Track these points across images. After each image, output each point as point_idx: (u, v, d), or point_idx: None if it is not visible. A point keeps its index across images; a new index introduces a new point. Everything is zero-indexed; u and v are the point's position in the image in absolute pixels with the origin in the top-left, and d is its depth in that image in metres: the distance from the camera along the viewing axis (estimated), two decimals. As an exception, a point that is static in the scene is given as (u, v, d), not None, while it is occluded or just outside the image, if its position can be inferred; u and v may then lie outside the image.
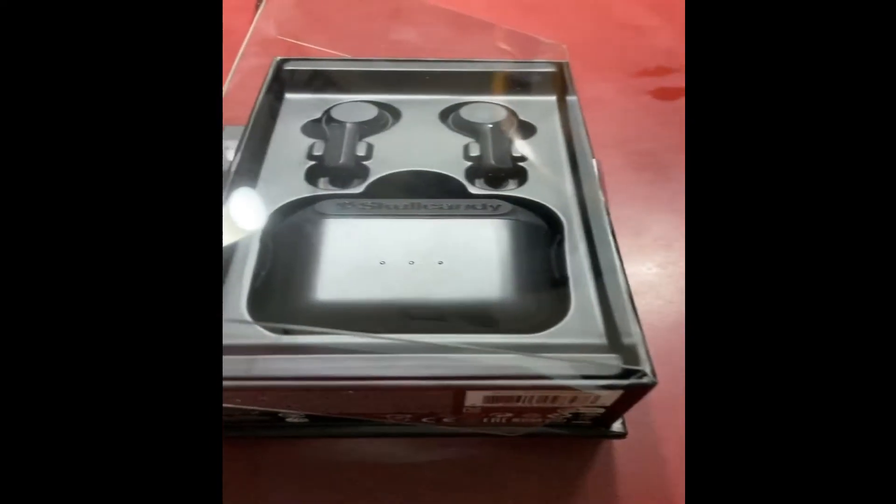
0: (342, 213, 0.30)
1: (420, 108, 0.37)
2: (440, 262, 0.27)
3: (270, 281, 0.27)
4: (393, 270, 0.27)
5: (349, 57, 0.40)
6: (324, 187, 0.33)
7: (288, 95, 0.38)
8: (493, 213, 0.30)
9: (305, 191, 0.32)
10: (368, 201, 0.30)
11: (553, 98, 0.38)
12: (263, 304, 0.26)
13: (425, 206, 0.30)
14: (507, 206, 0.30)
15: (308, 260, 0.28)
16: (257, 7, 0.35)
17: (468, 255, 0.28)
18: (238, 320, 0.25)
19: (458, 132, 0.36)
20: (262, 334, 0.24)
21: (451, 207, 0.30)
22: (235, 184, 0.30)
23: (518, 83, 0.38)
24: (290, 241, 0.29)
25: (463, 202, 0.30)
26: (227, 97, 0.36)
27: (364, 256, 0.28)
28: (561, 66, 0.39)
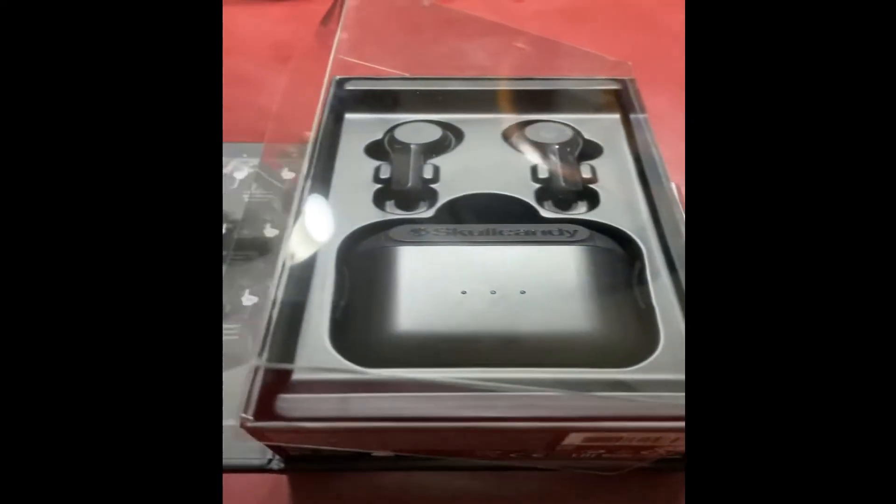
0: (417, 240, 0.29)
1: (482, 127, 0.37)
2: (522, 292, 0.27)
3: (350, 311, 0.27)
4: (475, 300, 0.26)
5: (407, 75, 0.39)
6: (391, 211, 0.32)
7: (347, 115, 0.37)
8: (571, 240, 0.29)
9: (375, 215, 0.31)
10: (443, 227, 0.30)
11: (617, 116, 0.37)
12: (345, 335, 0.26)
13: (500, 232, 0.30)
14: (585, 232, 0.29)
15: (387, 289, 0.27)
16: (324, 23, 0.35)
17: (550, 284, 0.27)
18: (331, 365, 0.24)
19: (522, 152, 0.35)
20: (351, 368, 0.24)
21: (527, 233, 0.30)
22: (307, 207, 0.30)
23: (581, 101, 0.38)
24: (367, 269, 0.28)
25: (538, 227, 0.30)
26: (277, 114, 0.36)
27: (444, 285, 0.27)
28: (625, 83, 0.38)
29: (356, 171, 0.34)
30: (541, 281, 0.27)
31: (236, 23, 0.55)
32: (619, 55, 0.39)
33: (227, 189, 0.38)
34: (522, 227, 0.30)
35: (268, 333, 0.24)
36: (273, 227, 0.35)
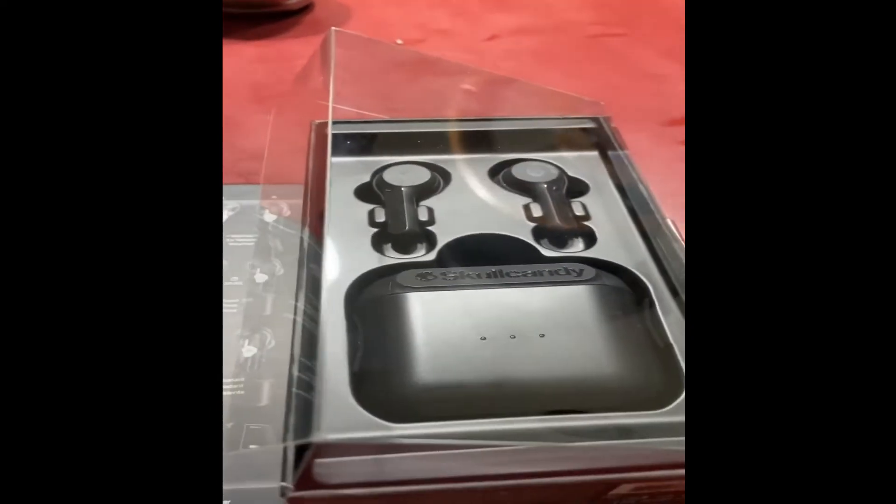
0: (427, 285, 0.29)
1: (467, 167, 0.37)
2: (542, 335, 0.27)
3: (369, 364, 0.26)
4: (496, 346, 0.26)
5: (388, 118, 0.39)
6: (391, 254, 0.32)
7: (333, 159, 0.36)
8: (580, 279, 0.29)
9: (376, 260, 0.31)
10: (449, 271, 0.30)
11: (595, 153, 0.38)
12: (368, 389, 0.25)
13: (508, 274, 0.29)
14: (591, 271, 0.30)
15: (405, 338, 0.26)
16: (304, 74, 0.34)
17: (569, 327, 0.27)
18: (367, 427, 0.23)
19: (511, 191, 0.35)
20: (384, 426, 0.23)
21: (534, 274, 0.30)
22: (308, 256, 0.29)
23: (560, 140, 0.38)
24: (380, 318, 0.28)
25: (544, 267, 0.30)
26: (265, 158, 0.35)
27: (462, 332, 0.27)
28: (600, 121, 0.39)
29: (350, 215, 0.33)
30: (559, 323, 0.27)
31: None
32: (593, 94, 0.40)
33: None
34: (529, 268, 0.30)
35: (290, 398, 0.23)
36: (262, 272, 0.34)
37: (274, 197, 0.37)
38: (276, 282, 0.33)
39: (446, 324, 0.27)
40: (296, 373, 0.23)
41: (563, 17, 0.66)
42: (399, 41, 0.50)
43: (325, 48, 0.35)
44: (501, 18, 0.65)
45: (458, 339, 0.26)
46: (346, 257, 0.30)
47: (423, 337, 0.26)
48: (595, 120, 0.39)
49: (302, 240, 0.29)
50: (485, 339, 0.26)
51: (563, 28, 0.64)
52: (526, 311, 0.28)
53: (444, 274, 0.29)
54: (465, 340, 0.26)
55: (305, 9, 0.64)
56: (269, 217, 0.37)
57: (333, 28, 0.36)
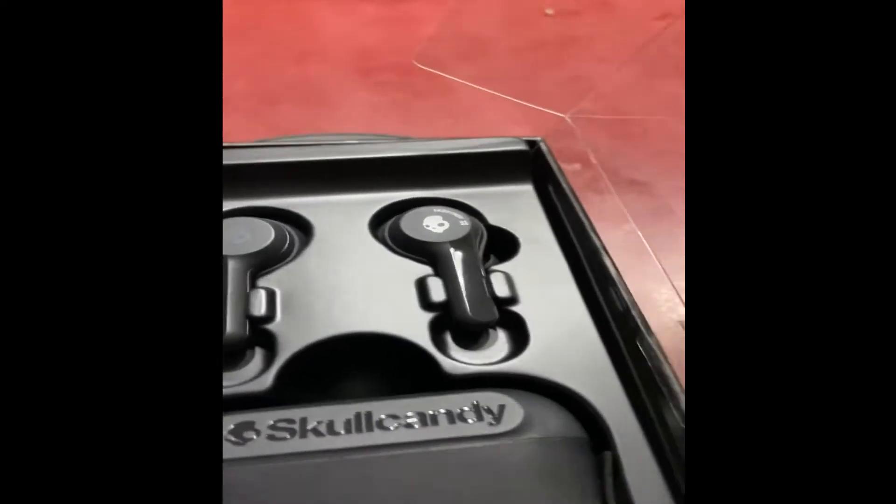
0: (242, 455, 0.17)
1: (340, 213, 0.25)
2: None
3: None
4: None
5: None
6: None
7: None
8: (501, 431, 0.17)
9: None
10: (284, 416, 0.18)
11: (528, 187, 0.27)
12: None
13: (382, 424, 0.18)
14: (516, 408, 0.18)
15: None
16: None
17: None
18: None
19: (401, 255, 0.24)
20: None
21: (423, 420, 0.18)
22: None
23: (481, 169, 0.27)
24: None
25: (444, 402, 0.18)
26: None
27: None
28: (535, 143, 0.27)
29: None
30: None
31: (323, 22, 0.48)
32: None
33: None
34: (416, 407, 0.18)
35: None
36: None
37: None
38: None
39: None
40: None
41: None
42: (549, 10, 0.41)
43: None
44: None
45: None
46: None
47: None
48: (527, 142, 0.28)
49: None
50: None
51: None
52: None
53: (273, 427, 0.17)
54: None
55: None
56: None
57: None
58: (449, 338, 0.21)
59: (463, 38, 0.35)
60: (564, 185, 0.26)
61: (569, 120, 0.30)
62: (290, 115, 0.35)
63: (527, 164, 0.27)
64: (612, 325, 0.21)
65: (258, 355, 0.20)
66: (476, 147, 0.27)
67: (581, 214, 0.24)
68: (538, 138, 0.27)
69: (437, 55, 0.34)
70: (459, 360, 0.20)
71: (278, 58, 0.42)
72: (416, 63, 0.33)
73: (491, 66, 0.33)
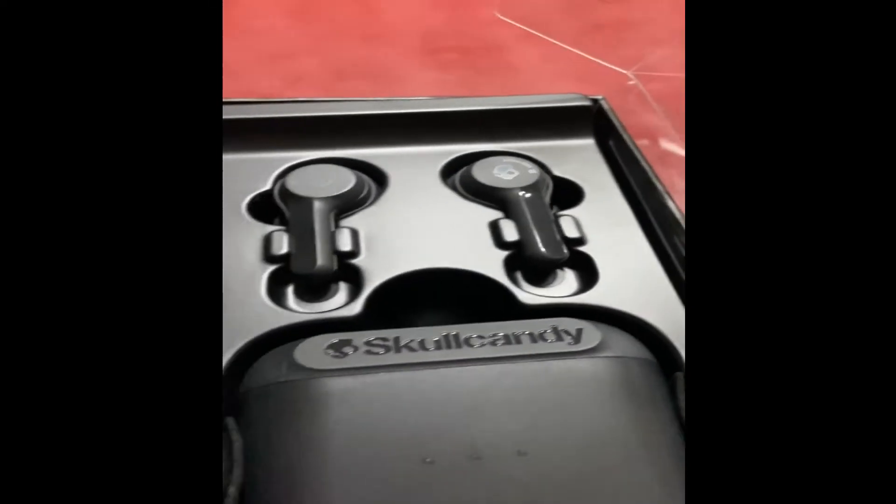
0: (340, 366, 0.18)
1: (412, 166, 0.26)
2: (521, 453, 0.16)
3: (255, 498, 0.16)
4: (447, 475, 0.16)
5: (298, 98, 0.28)
6: (294, 306, 0.21)
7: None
8: (577, 349, 0.19)
9: (271, 316, 0.20)
10: (377, 338, 0.19)
11: (590, 141, 0.28)
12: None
13: (468, 341, 0.19)
14: (592, 332, 0.19)
15: (305, 463, 0.16)
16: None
17: (563, 437, 0.17)
18: None
19: (473, 201, 0.25)
20: None
21: (508, 339, 0.19)
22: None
23: (543, 123, 0.28)
24: (268, 425, 0.17)
25: (523, 327, 0.20)
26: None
27: (395, 451, 0.16)
28: (597, 101, 0.28)
29: (237, 243, 0.22)
30: (547, 430, 0.17)
31: (387, 2, 0.49)
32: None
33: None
34: (500, 329, 0.19)
35: None
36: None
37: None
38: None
39: (370, 438, 0.17)
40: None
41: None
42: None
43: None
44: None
45: (389, 464, 0.16)
46: (227, 314, 0.20)
47: (334, 462, 0.16)
48: (589, 99, 0.29)
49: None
50: (431, 462, 0.16)
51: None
52: (497, 411, 0.17)
53: (369, 342, 0.19)
54: (400, 467, 0.16)
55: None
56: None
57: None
58: (520, 276, 0.23)
59: (522, 21, 0.36)
60: (626, 139, 0.27)
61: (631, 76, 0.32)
62: (362, 90, 0.37)
63: (588, 120, 0.28)
64: (677, 266, 0.22)
65: (345, 287, 0.22)
66: (540, 102, 0.28)
67: (644, 164, 0.25)
68: (600, 97, 0.28)
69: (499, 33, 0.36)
70: (534, 294, 0.22)
71: (346, 38, 0.43)
72: (497, 14, 0.34)
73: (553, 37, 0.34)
